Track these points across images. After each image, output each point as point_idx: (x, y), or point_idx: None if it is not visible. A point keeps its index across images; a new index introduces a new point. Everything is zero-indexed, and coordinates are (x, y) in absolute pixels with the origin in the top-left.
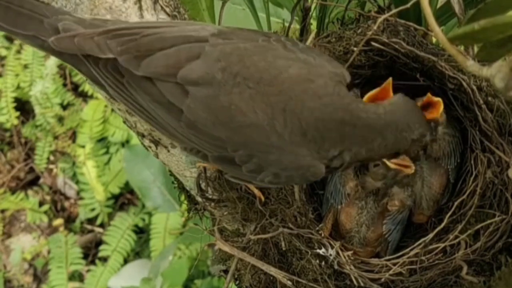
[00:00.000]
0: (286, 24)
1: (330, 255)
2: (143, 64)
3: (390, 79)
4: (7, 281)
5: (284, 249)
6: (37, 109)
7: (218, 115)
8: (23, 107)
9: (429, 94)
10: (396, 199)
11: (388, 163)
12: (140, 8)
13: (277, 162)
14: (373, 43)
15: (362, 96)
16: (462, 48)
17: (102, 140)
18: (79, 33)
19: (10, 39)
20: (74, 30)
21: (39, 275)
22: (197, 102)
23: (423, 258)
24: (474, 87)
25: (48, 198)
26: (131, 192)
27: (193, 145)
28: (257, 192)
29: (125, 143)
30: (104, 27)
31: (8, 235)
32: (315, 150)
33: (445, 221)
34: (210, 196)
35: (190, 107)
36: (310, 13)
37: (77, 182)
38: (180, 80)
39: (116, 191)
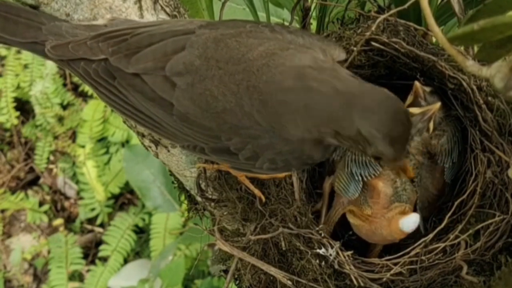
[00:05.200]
0: (286, 24)
1: (330, 255)
2: (132, 60)
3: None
4: (7, 281)
5: (284, 249)
6: (37, 109)
7: (199, 104)
8: (23, 107)
9: (416, 83)
10: None
11: None
12: (140, 8)
13: (269, 146)
14: (373, 43)
15: None
16: (462, 48)
17: (102, 140)
18: (73, 40)
19: None
20: (68, 37)
21: (39, 275)
22: (184, 93)
23: (423, 258)
24: (474, 87)
25: (48, 198)
26: (131, 192)
27: (189, 140)
28: (257, 192)
29: (125, 143)
30: (97, 31)
31: (8, 235)
32: (276, 126)
33: (445, 221)
34: (210, 196)
35: (179, 99)
36: (310, 13)
37: (77, 182)
38: (168, 72)
39: (116, 191)
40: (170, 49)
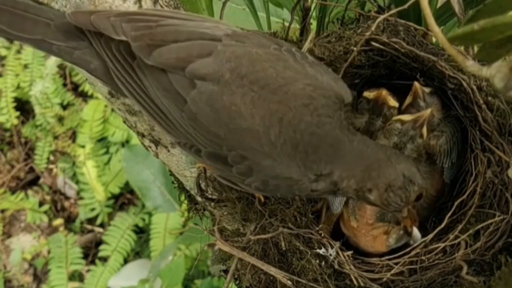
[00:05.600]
0: (286, 24)
1: (330, 255)
2: (154, 53)
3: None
4: (7, 281)
5: (284, 249)
6: (37, 109)
7: (219, 113)
8: (23, 107)
9: (416, 84)
10: None
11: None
12: (140, 8)
13: (269, 169)
14: (373, 43)
15: (359, 96)
16: (462, 48)
17: (102, 140)
18: (97, 11)
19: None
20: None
21: (39, 275)
22: (202, 96)
23: (423, 258)
24: (474, 87)
25: (48, 198)
26: (131, 192)
27: (188, 138)
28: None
29: (125, 143)
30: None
31: (8, 235)
32: (302, 163)
33: (445, 221)
34: (210, 196)
35: (195, 99)
36: (310, 13)
37: (77, 182)
38: (188, 74)
39: (116, 191)
40: (196, 52)
